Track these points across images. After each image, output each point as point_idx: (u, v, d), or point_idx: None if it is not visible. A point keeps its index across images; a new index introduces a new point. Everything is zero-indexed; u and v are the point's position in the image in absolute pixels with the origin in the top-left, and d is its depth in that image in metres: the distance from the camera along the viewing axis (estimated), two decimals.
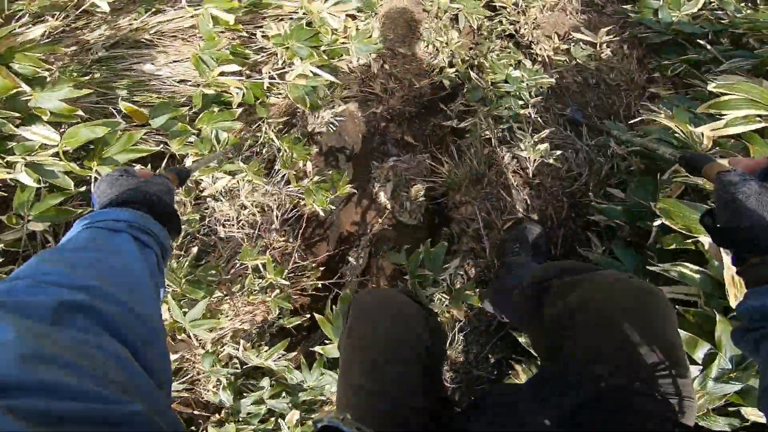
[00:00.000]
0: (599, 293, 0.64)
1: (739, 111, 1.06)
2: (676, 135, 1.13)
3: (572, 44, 1.89)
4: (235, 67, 1.38)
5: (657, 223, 0.99)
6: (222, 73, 1.34)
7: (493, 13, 2.30)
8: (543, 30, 2.20)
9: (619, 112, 1.71)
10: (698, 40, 1.74)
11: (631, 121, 1.51)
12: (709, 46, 1.65)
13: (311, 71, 1.49)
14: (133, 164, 1.16)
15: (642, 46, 1.90)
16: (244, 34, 1.55)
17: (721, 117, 1.10)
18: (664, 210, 0.93)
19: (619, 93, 1.78)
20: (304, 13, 1.58)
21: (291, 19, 1.60)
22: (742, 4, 1.85)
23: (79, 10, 1.29)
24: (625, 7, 2.04)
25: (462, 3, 2.22)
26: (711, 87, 1.10)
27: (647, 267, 0.97)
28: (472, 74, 1.72)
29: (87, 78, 1.26)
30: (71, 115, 1.07)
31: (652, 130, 1.26)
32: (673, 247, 0.94)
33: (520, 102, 1.57)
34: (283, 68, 1.53)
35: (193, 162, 1.25)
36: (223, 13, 1.33)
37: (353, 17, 1.77)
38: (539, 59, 1.97)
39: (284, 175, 1.47)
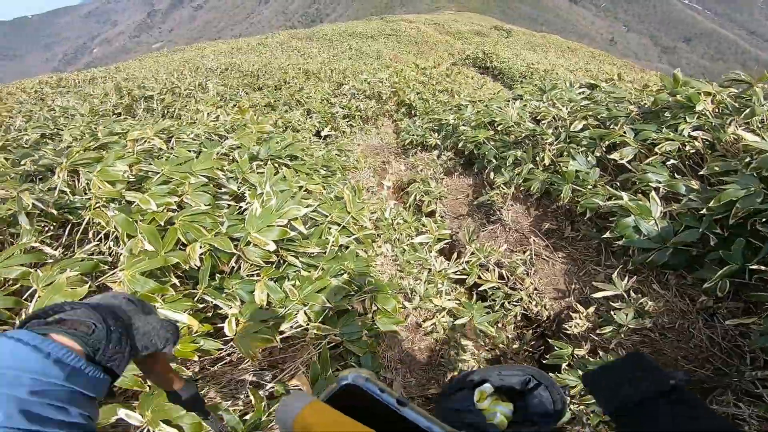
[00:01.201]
0: None
1: None
2: None
3: (612, 312, 1.78)
4: None
5: None
6: None
7: (487, 303, 2.29)
8: (545, 293, 2.16)
9: (715, 353, 1.59)
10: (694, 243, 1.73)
11: None
12: (721, 253, 1.61)
13: None
14: None
15: (656, 268, 1.85)
16: None
17: None
18: None
19: (688, 332, 1.68)
20: None
21: None
22: (692, 182, 1.91)
23: None
24: (604, 236, 2.05)
25: (465, 314, 2.18)
26: None
27: None
28: None
29: None
30: None
31: None
32: None
33: None
34: None
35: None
36: None
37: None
38: (578, 336, 1.85)
39: None
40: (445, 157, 3.93)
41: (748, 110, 1.93)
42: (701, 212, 1.74)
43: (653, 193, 1.89)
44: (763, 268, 1.46)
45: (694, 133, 2.01)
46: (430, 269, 2.45)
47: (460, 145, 3.74)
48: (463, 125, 3.93)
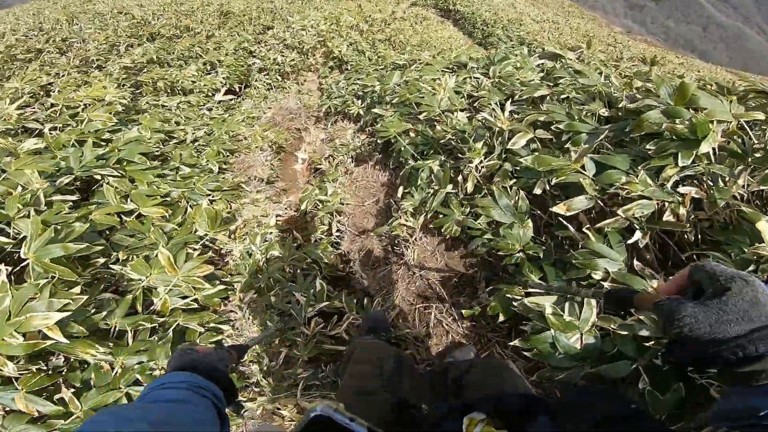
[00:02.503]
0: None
1: None
2: None
3: None
4: None
5: None
6: None
7: None
8: None
9: None
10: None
11: None
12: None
13: None
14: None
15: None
16: None
17: None
18: None
19: None
20: None
21: None
22: (653, 282, 1.24)
23: None
24: (511, 343, 1.38)
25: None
26: None
27: None
28: None
29: None
30: None
31: None
32: None
33: None
34: None
35: (249, 339, 1.17)
36: None
37: None
38: None
39: None
40: (359, 140, 3.07)
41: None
42: (647, 343, 1.10)
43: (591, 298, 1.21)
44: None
45: (684, 189, 1.30)
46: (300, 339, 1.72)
47: (377, 126, 2.89)
48: (387, 99, 3.05)
